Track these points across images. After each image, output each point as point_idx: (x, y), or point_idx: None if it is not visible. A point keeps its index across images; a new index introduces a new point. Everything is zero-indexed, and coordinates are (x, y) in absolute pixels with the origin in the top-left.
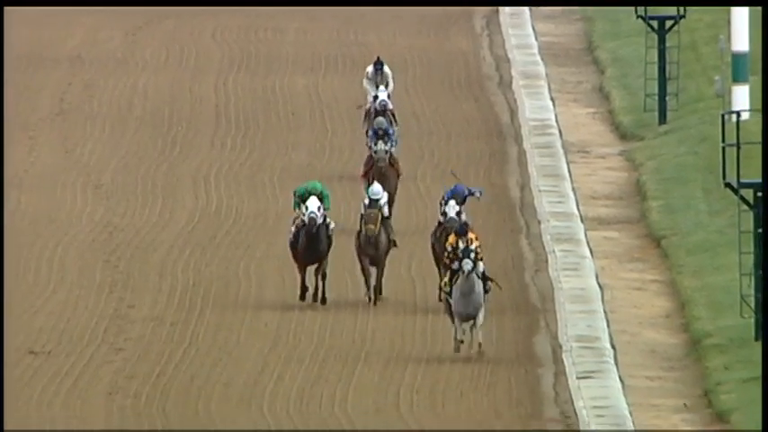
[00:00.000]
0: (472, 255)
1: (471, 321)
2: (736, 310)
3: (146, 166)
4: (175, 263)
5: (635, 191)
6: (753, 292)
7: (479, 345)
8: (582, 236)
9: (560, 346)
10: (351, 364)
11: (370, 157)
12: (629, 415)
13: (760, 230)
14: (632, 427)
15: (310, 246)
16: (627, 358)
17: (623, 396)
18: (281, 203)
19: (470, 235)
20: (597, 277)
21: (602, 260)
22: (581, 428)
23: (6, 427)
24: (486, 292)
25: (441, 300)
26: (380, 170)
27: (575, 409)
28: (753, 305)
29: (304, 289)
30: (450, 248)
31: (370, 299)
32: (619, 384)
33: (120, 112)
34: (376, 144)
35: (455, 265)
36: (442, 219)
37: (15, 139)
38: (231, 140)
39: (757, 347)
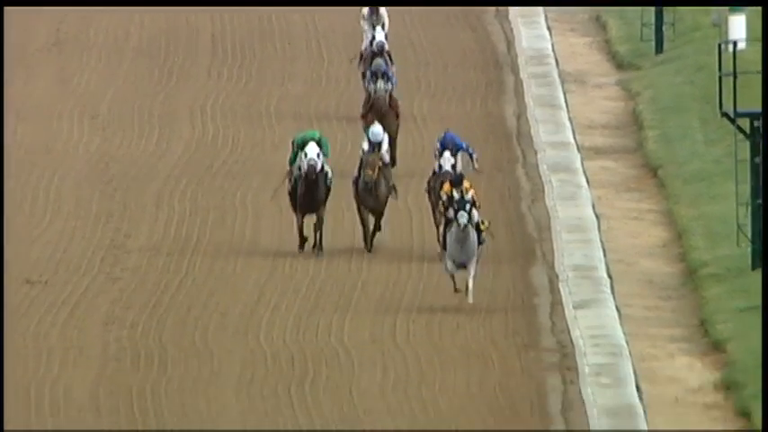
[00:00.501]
0: (467, 206)
1: (464, 269)
2: (732, 240)
3: (142, 96)
4: (172, 193)
5: (631, 120)
6: (749, 221)
7: (468, 293)
8: (578, 165)
9: (557, 276)
10: (347, 293)
11: (369, 98)
12: (625, 344)
13: (756, 160)
14: (629, 356)
15: (309, 193)
16: (623, 288)
17: (620, 326)
18: (277, 133)
19: (465, 184)
20: (594, 207)
21: (598, 190)
22: (577, 358)
23: (6, 360)
24: (480, 243)
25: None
26: (380, 110)
27: (571, 339)
28: (749, 235)
29: (303, 239)
30: (445, 197)
31: (369, 251)
32: (615, 314)
33: (117, 42)
34: (375, 83)
35: (450, 214)
36: (437, 169)
37: (12, 70)
38: (228, 70)
39: (753, 277)
